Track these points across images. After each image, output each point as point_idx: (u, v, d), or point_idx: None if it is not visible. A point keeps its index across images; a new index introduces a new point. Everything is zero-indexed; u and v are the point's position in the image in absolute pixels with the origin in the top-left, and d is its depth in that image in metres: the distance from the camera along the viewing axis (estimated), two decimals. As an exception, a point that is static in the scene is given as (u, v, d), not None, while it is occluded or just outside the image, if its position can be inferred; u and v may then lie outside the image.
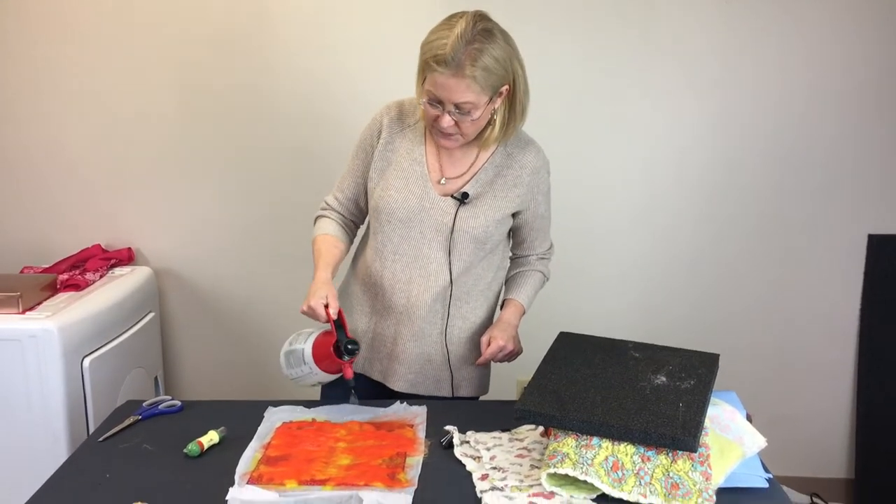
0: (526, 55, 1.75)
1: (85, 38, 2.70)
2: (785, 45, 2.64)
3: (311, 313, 1.73)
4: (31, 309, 2.28)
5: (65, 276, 2.54)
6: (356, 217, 1.98)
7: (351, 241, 1.98)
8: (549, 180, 1.92)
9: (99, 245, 2.80)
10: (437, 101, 1.68)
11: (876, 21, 2.61)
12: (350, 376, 1.75)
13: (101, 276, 2.63)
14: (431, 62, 1.63)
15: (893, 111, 2.67)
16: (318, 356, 1.74)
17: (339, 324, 1.75)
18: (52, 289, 2.44)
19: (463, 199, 1.80)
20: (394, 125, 1.86)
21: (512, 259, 2.02)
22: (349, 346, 1.72)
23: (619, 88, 2.69)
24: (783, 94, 2.67)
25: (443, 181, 1.83)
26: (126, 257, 2.80)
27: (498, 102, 1.73)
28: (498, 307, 1.99)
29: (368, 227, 1.94)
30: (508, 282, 2.00)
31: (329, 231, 1.90)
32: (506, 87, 1.71)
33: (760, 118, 2.69)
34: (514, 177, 1.84)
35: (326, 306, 1.72)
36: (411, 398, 1.82)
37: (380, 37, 2.67)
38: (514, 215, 1.88)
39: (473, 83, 1.63)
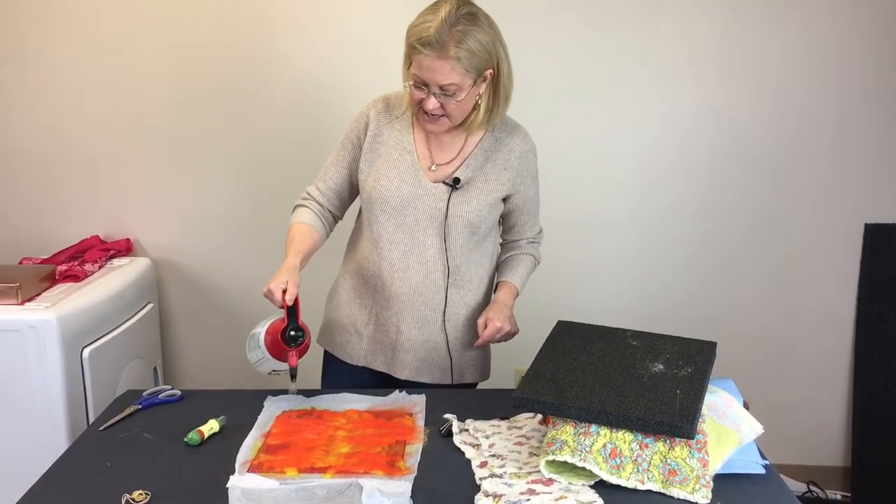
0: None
1: (84, 31, 2.69)
2: (785, 35, 2.64)
3: (268, 296, 1.70)
4: (30, 300, 2.28)
5: (63, 267, 2.54)
6: (337, 208, 1.97)
7: (328, 233, 1.96)
8: (536, 164, 1.93)
9: (97, 236, 2.80)
10: (422, 84, 1.71)
11: (876, 12, 2.61)
12: (294, 364, 1.72)
13: (99, 267, 2.63)
14: (416, 44, 1.66)
15: (890, 100, 2.67)
16: (269, 341, 1.72)
17: (293, 311, 1.71)
18: (51, 280, 2.44)
19: (454, 184, 1.82)
20: (381, 117, 1.88)
21: (503, 244, 2.03)
22: (292, 333, 1.69)
23: (619, 77, 2.69)
24: (782, 85, 2.68)
25: (433, 167, 1.85)
26: (125, 248, 2.80)
27: (483, 87, 1.75)
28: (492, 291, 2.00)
29: (361, 222, 1.94)
30: (501, 265, 2.01)
31: (305, 220, 1.89)
32: (490, 70, 1.74)
33: (759, 108, 2.69)
34: (503, 160, 1.86)
35: (284, 291, 1.69)
36: (415, 386, 1.83)
37: (379, 26, 2.66)
38: (504, 200, 1.89)
39: (458, 64, 1.66)
